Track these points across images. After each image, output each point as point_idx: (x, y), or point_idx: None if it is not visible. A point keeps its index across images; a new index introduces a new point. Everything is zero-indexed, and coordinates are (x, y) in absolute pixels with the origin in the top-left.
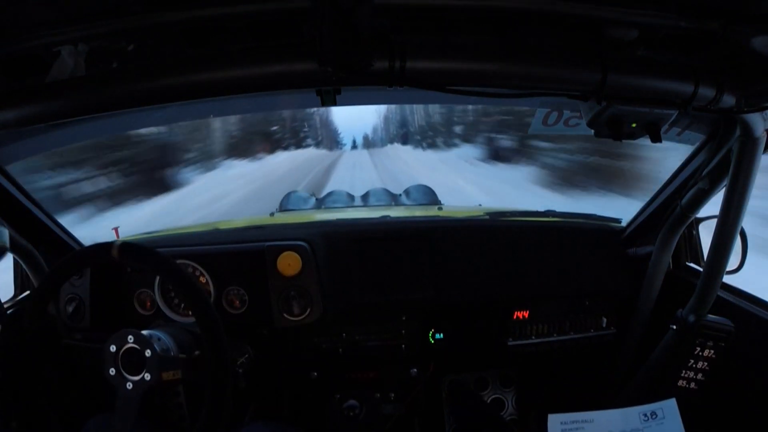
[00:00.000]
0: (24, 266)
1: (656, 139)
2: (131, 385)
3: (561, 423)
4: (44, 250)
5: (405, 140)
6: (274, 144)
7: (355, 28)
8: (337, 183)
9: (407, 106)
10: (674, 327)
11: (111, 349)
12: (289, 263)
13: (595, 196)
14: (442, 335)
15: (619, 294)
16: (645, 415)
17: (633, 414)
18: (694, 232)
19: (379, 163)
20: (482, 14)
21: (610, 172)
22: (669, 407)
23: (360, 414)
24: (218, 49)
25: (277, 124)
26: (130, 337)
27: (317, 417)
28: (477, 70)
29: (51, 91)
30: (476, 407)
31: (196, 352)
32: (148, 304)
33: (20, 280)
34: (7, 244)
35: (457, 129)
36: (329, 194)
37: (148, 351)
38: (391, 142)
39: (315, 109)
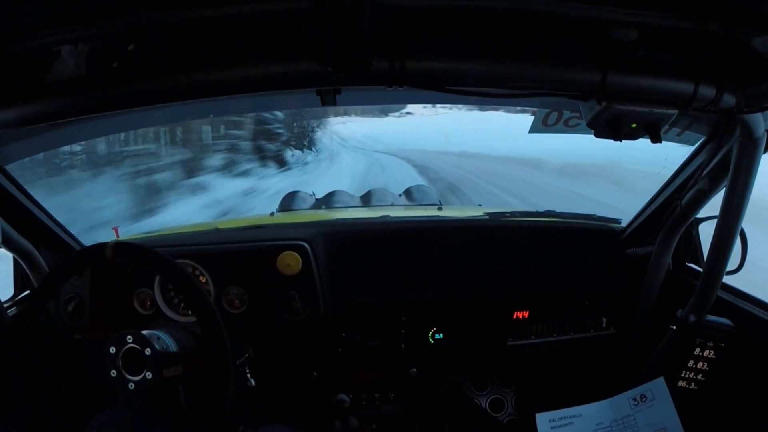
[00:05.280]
0: (24, 266)
1: (656, 139)
2: (133, 386)
3: (549, 421)
4: (44, 250)
5: None
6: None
7: (355, 28)
8: None
9: None
10: (674, 327)
11: (111, 350)
12: (289, 263)
13: None
14: (441, 335)
15: (619, 294)
16: (635, 399)
17: (622, 401)
18: (694, 233)
19: None
20: (482, 14)
21: None
22: (658, 388)
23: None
24: (218, 49)
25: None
26: (129, 337)
27: (317, 417)
28: (477, 70)
29: (51, 91)
30: (473, 410)
31: (196, 349)
32: (148, 304)
33: (20, 280)
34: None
35: None
36: (329, 194)
37: (148, 350)
38: None
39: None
